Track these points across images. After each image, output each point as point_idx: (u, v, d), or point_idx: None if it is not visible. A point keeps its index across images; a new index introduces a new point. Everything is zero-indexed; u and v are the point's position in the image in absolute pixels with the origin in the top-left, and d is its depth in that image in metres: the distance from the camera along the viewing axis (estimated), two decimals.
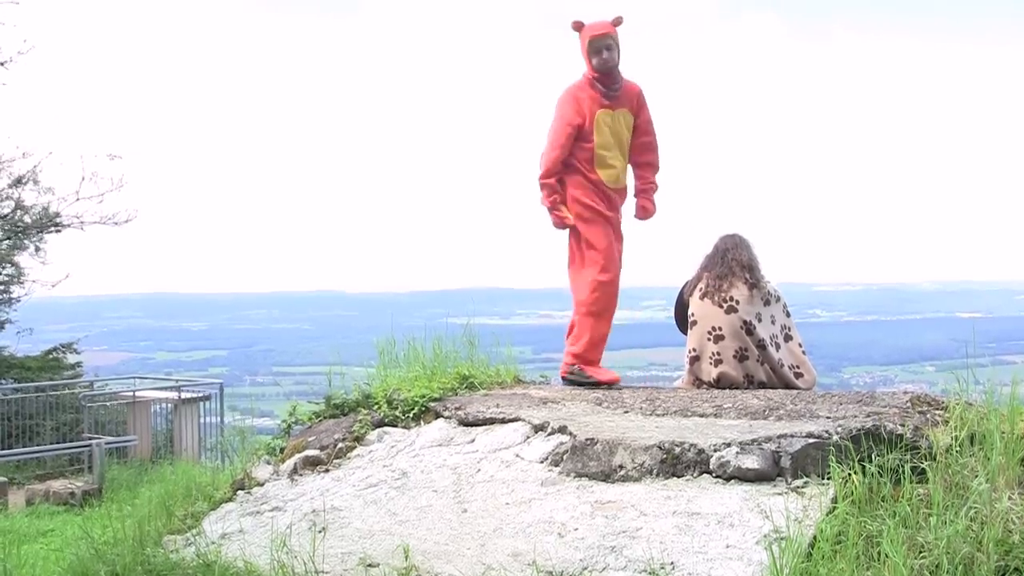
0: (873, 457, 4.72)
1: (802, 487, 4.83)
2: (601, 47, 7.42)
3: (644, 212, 7.82)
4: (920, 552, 4.15)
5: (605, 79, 7.51)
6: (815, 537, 4.31)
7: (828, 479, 4.76)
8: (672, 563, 4.33)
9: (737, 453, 4.98)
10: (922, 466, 4.72)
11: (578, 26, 7.52)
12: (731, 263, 7.43)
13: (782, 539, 4.29)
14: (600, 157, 7.52)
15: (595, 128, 7.50)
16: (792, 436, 5.07)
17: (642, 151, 7.79)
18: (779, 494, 4.79)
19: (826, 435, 5.05)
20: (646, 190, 7.82)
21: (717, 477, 5.00)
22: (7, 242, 25.65)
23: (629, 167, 7.84)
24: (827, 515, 4.47)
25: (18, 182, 24.72)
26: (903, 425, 5.10)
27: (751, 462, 4.93)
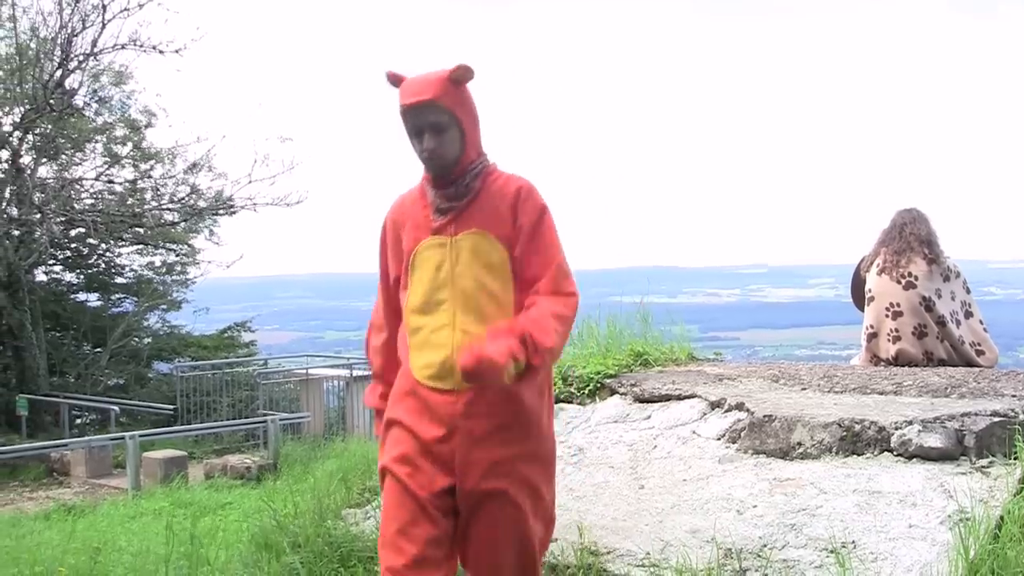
0: None
1: (987, 467, 4.72)
2: (421, 126, 3.87)
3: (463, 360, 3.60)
4: None
5: (439, 180, 3.97)
6: (1002, 518, 4.21)
7: (1015, 459, 4.65)
8: (853, 542, 4.28)
9: (919, 431, 4.90)
10: None
11: (394, 79, 3.95)
12: (909, 238, 7.26)
13: (967, 520, 4.20)
14: (413, 330, 3.98)
15: (410, 271, 4.01)
16: (976, 414, 4.96)
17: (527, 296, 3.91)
18: (963, 473, 4.68)
19: (1012, 414, 4.94)
20: (492, 330, 3.72)
21: (898, 455, 4.92)
22: (183, 225, 26.43)
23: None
24: (1015, 496, 4.36)
25: (193, 167, 25.49)
26: None
27: (934, 440, 4.84)
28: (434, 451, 3.81)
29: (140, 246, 28.34)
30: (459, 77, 3.86)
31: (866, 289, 7.39)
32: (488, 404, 3.79)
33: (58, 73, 21.87)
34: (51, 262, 27.91)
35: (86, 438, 18.80)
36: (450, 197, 3.95)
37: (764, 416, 5.39)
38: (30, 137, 23.71)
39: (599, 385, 6.55)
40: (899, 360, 7.10)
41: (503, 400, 3.79)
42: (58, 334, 28.07)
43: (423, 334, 3.92)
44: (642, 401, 6.23)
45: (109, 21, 21.81)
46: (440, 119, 3.85)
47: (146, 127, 26.35)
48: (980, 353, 7.21)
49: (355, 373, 19.95)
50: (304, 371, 21.51)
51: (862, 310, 7.47)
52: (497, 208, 3.94)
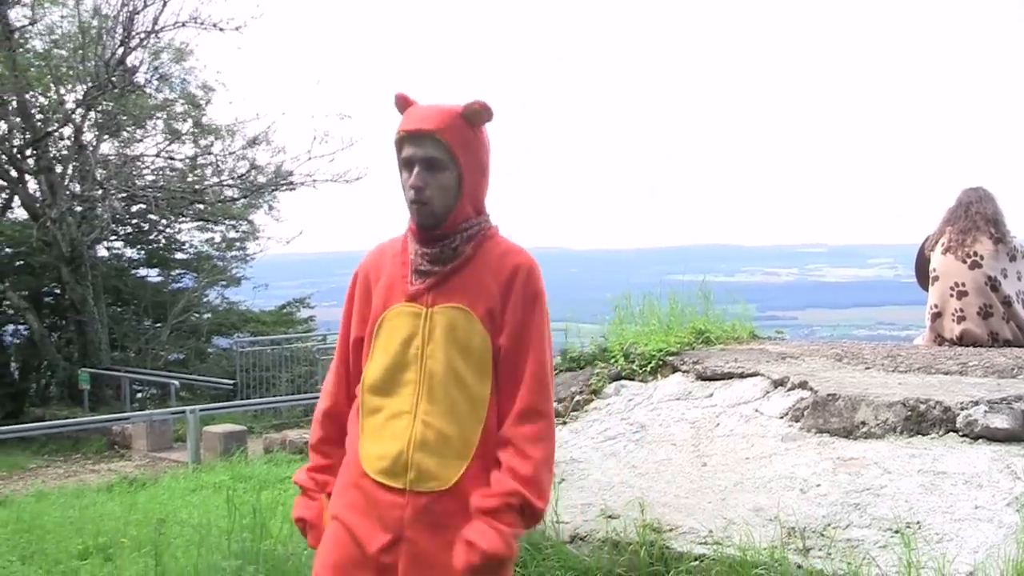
0: None
1: None
2: (412, 158, 3.28)
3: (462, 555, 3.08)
4: None
5: (424, 234, 3.32)
6: None
7: None
8: (918, 522, 4.25)
9: (985, 412, 4.84)
10: None
11: (401, 103, 3.40)
12: (975, 217, 7.18)
13: None
14: (369, 411, 3.32)
15: (375, 337, 3.36)
16: None
17: (505, 403, 3.26)
18: None
19: None
20: (483, 506, 3.12)
21: (964, 436, 4.86)
22: (243, 201, 26.66)
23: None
24: None
25: (252, 143, 25.72)
26: None
27: (1000, 421, 4.78)
28: (378, 563, 3.17)
29: (200, 222, 28.65)
30: (472, 115, 3.27)
31: (931, 268, 7.32)
32: (442, 514, 3.15)
33: (120, 51, 22.09)
34: (112, 238, 28.28)
35: (147, 412, 19.02)
36: (434, 259, 3.31)
37: (828, 395, 5.35)
38: (92, 114, 24.00)
39: (661, 362, 6.53)
40: (964, 340, 7.04)
41: (460, 511, 3.15)
42: (119, 309, 28.44)
43: (379, 419, 3.28)
44: (704, 379, 6.20)
45: None
46: (436, 155, 3.24)
47: (206, 104, 26.60)
48: None
49: None
50: None
51: (926, 290, 7.40)
52: (487, 283, 3.29)
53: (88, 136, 24.54)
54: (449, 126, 3.23)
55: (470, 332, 3.24)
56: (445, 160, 3.24)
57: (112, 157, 25.18)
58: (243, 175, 25.71)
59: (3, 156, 23.62)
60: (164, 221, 28.48)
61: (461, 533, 3.09)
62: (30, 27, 22.85)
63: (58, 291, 25.59)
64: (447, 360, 3.22)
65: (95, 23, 22.21)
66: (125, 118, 24.72)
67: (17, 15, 22.62)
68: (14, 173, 24.04)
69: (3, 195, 26.57)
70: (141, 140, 26.59)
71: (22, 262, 25.36)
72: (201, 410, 16.43)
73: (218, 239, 30.37)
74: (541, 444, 3.18)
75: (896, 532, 4.18)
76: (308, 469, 3.49)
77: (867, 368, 6.06)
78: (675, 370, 6.44)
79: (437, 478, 3.15)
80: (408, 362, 3.25)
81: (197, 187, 25.12)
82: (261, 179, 25.65)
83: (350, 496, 3.28)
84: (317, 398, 3.62)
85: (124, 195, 24.11)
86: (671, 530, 4.62)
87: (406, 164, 3.29)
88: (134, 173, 25.08)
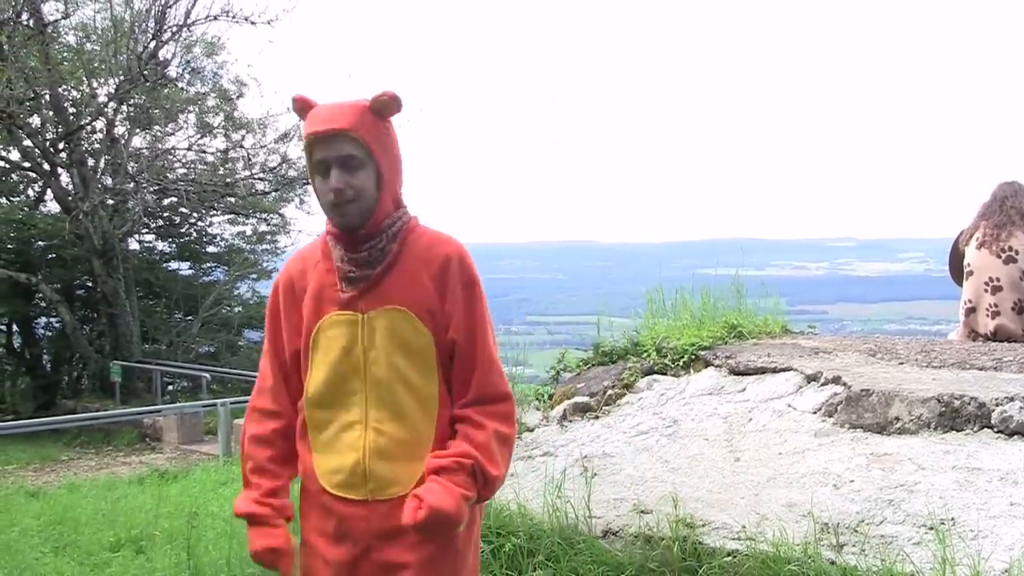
0: None
1: None
2: (327, 160, 3.12)
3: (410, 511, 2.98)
4: None
5: (347, 237, 3.19)
6: None
7: None
8: (953, 519, 4.23)
9: (1020, 408, 4.82)
10: None
11: (300, 105, 3.25)
12: (1010, 211, 7.13)
13: None
14: (316, 426, 3.24)
15: (311, 353, 3.24)
16: None
17: (459, 393, 3.21)
18: None
19: None
20: (435, 465, 3.05)
21: (999, 432, 4.84)
22: (274, 194, 26.77)
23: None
24: None
25: (284, 137, 25.83)
26: None
27: None
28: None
29: (231, 215, 28.81)
30: (382, 108, 3.14)
31: (965, 263, 7.28)
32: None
33: (152, 44, 22.22)
34: (144, 231, 28.49)
35: (178, 404, 19.16)
36: (361, 263, 3.18)
37: (861, 390, 5.33)
38: (124, 108, 24.16)
39: (693, 357, 6.52)
40: (998, 335, 7.00)
41: None
42: (151, 302, 28.66)
43: (330, 432, 3.19)
44: (737, 373, 6.19)
45: None
46: (352, 153, 3.10)
47: (238, 97, 26.72)
48: None
49: None
50: None
51: (960, 284, 7.37)
52: (419, 278, 3.19)
53: (120, 130, 24.73)
54: (362, 122, 3.11)
55: (411, 332, 3.16)
56: (362, 157, 3.12)
57: (144, 151, 25.35)
58: (274, 169, 25.85)
59: (36, 149, 23.81)
60: (195, 214, 28.70)
61: (411, 492, 3.03)
62: (63, 21, 23.00)
63: (90, 284, 25.79)
64: (391, 364, 3.14)
65: (127, 17, 22.36)
66: (157, 112, 24.88)
67: (50, 9, 22.80)
68: (47, 166, 24.23)
69: (36, 188, 26.79)
70: (173, 134, 26.83)
71: (54, 255, 25.56)
72: (232, 403, 16.50)
73: (249, 232, 30.57)
74: (498, 419, 3.15)
75: (930, 529, 4.16)
76: (260, 496, 3.24)
77: (901, 363, 6.04)
78: (708, 364, 6.44)
79: (397, 483, 3.11)
80: (351, 371, 3.17)
81: (228, 181, 25.27)
82: (292, 173, 25.76)
83: (314, 520, 3.23)
84: None
85: (156, 188, 24.25)
86: (704, 525, 4.61)
87: (321, 168, 3.14)
88: (166, 167, 25.23)
